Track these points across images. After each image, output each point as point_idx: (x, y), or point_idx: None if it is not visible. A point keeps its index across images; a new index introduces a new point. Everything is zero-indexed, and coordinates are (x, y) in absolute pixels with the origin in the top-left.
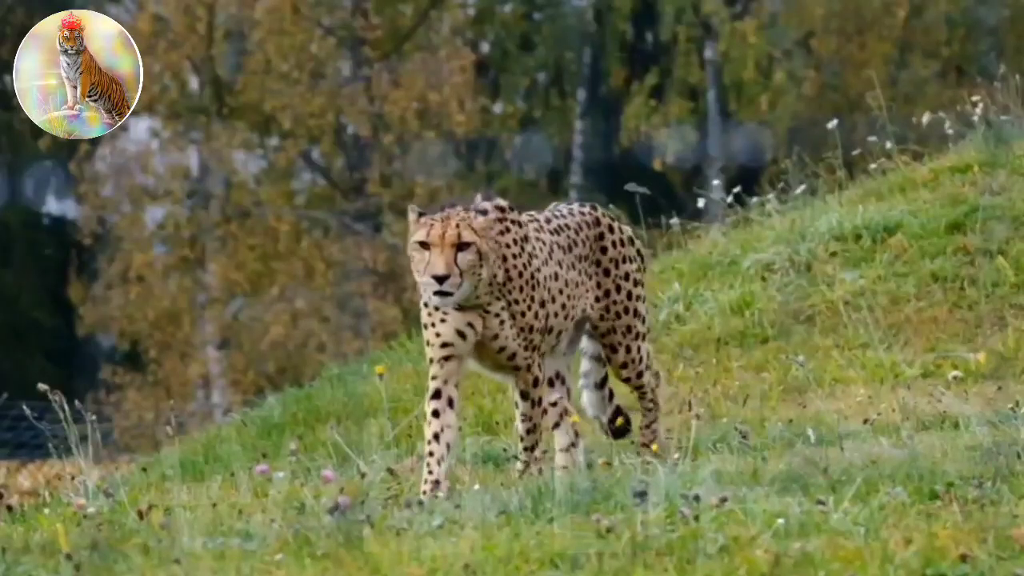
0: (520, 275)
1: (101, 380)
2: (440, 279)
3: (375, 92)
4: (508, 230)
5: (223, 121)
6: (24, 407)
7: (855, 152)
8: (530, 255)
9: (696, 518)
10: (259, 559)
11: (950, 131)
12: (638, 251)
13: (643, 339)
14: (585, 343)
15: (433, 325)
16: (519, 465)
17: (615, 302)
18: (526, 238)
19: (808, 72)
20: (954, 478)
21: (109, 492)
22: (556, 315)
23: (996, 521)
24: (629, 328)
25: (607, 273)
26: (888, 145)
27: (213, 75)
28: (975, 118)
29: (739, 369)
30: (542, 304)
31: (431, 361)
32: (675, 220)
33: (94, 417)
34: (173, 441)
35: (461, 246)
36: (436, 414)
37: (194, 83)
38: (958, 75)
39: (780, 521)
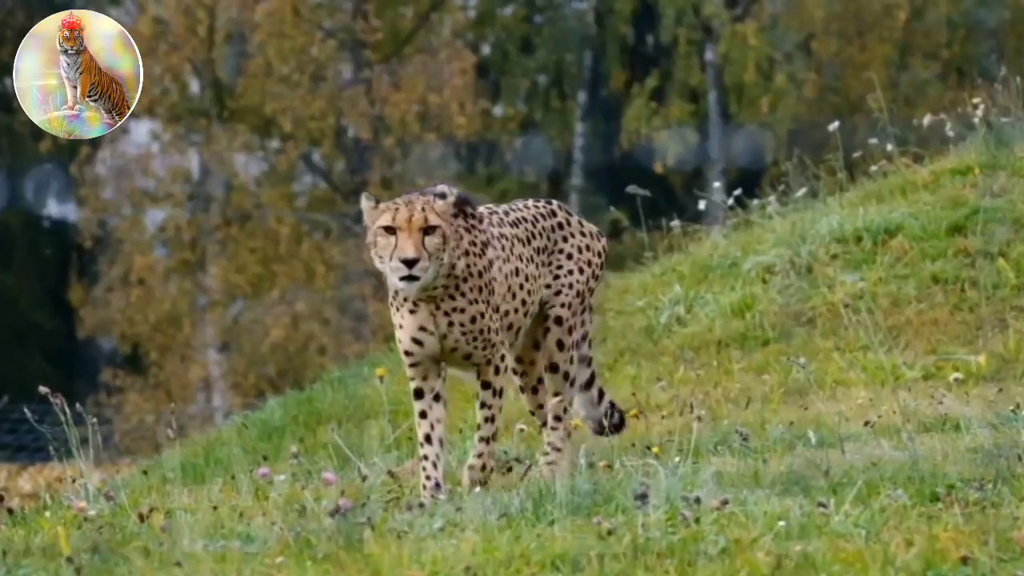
0: (480, 276)
1: (102, 383)
2: (410, 263)
3: (375, 94)
4: (470, 231)
5: (224, 124)
6: (25, 410)
7: (856, 154)
8: (490, 261)
9: (697, 520)
10: (260, 562)
11: (951, 133)
12: (604, 248)
13: (582, 339)
14: None
15: (396, 327)
16: (472, 460)
17: (577, 280)
18: (487, 243)
19: (809, 74)
20: (955, 480)
21: (110, 495)
22: (516, 311)
23: (997, 523)
24: (577, 310)
25: (569, 257)
26: (889, 147)
27: (213, 78)
28: (976, 120)
29: (740, 371)
30: (496, 309)
31: (404, 362)
32: (676, 222)
33: (95, 420)
34: (174, 444)
35: (428, 229)
36: (423, 414)
37: (195, 86)
38: (959, 77)
39: (781, 523)
